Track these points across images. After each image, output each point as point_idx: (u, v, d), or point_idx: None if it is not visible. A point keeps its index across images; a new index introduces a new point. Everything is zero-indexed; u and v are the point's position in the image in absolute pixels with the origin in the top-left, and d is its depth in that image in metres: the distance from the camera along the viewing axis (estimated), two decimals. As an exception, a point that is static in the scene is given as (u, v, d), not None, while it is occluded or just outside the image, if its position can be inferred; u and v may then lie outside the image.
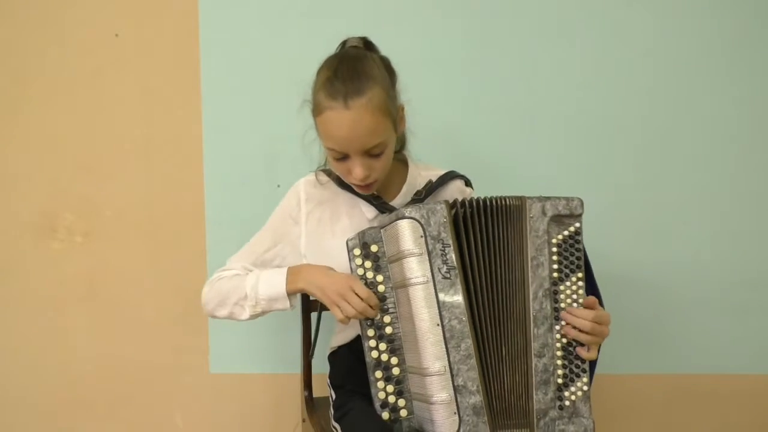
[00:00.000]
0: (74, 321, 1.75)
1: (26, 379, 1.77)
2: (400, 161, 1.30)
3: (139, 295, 1.75)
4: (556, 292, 1.11)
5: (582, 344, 1.11)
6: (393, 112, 1.14)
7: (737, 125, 1.72)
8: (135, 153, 1.72)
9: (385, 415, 1.09)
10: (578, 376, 1.10)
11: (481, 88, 1.70)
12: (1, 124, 1.71)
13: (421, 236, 1.07)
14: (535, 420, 1.07)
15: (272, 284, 1.19)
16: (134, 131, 1.71)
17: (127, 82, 1.70)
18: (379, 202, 1.24)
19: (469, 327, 1.06)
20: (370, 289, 1.11)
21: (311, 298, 1.36)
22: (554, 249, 1.11)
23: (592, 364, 1.12)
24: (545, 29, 1.69)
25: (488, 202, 1.11)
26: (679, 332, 1.77)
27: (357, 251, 1.12)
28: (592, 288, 1.15)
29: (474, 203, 1.10)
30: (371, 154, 1.13)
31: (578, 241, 1.13)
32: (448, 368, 1.05)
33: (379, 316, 1.11)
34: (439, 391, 1.04)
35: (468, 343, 1.06)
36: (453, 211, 1.10)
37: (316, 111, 1.13)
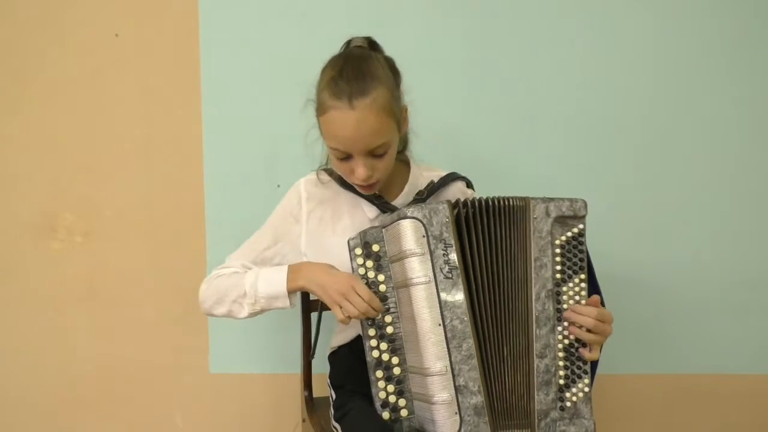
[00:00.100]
0: (74, 321, 1.75)
1: (26, 379, 1.77)
2: (402, 162, 1.30)
3: (139, 295, 1.75)
4: (558, 293, 1.11)
5: (584, 345, 1.11)
6: (397, 113, 1.14)
7: (737, 125, 1.73)
8: (135, 153, 1.72)
9: (386, 414, 1.09)
10: (580, 377, 1.10)
11: (481, 89, 1.70)
12: (1, 124, 1.71)
13: (423, 236, 1.07)
14: (536, 420, 1.08)
15: (272, 282, 1.18)
16: (134, 131, 1.71)
17: (127, 82, 1.70)
18: (381, 201, 1.24)
19: (470, 327, 1.06)
20: (371, 288, 1.10)
21: (311, 297, 1.37)
22: (557, 250, 1.11)
23: (594, 365, 1.12)
24: (545, 29, 1.69)
25: (490, 202, 1.11)
26: (680, 332, 1.78)
27: (358, 250, 1.12)
28: (594, 290, 1.15)
29: (476, 203, 1.10)
30: (374, 154, 1.13)
31: (581, 243, 1.13)
32: (449, 368, 1.05)
33: (380, 316, 1.11)
34: (441, 391, 1.04)
35: (470, 343, 1.06)
36: (455, 211, 1.10)
37: (320, 110, 1.13)
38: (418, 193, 1.26)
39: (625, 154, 1.73)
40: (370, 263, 1.12)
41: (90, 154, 1.72)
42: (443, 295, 1.06)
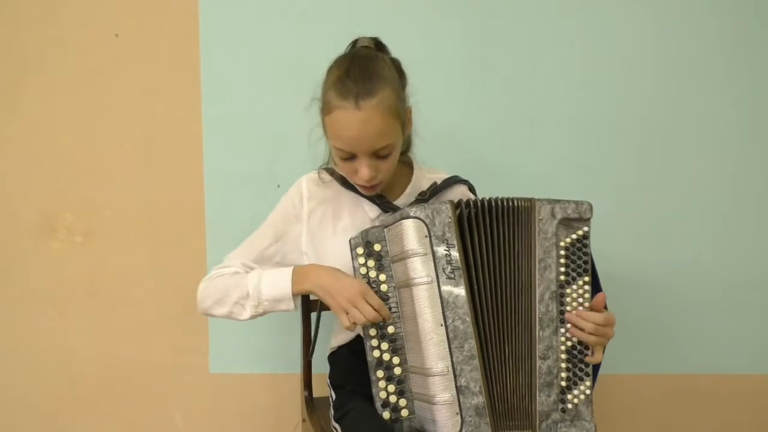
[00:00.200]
0: (74, 321, 1.75)
1: (26, 379, 1.77)
2: (405, 163, 1.30)
3: (139, 295, 1.75)
4: (562, 295, 1.11)
5: (588, 348, 1.11)
6: (402, 114, 1.14)
7: (737, 125, 1.73)
8: (135, 153, 1.71)
9: (386, 414, 1.09)
10: (581, 379, 1.10)
11: (482, 89, 1.70)
12: (1, 124, 1.70)
13: (426, 236, 1.07)
14: (537, 422, 1.08)
15: (277, 285, 1.17)
16: (134, 131, 1.71)
17: (127, 82, 1.70)
18: (383, 201, 1.23)
19: (472, 327, 1.06)
20: (372, 288, 1.10)
21: (312, 297, 1.36)
22: (562, 252, 1.11)
23: (596, 367, 1.12)
24: (545, 29, 1.69)
25: (493, 203, 1.11)
26: (680, 332, 1.78)
27: (360, 250, 1.12)
28: (597, 292, 1.14)
29: (479, 203, 1.10)
30: (379, 155, 1.13)
31: (586, 245, 1.13)
32: (450, 369, 1.05)
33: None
34: (442, 392, 1.04)
35: (471, 344, 1.06)
36: (458, 212, 1.10)
37: (326, 110, 1.13)
38: (420, 194, 1.26)
39: (625, 154, 1.73)
40: (371, 263, 1.12)
41: (90, 154, 1.71)
42: (445, 296, 1.06)
